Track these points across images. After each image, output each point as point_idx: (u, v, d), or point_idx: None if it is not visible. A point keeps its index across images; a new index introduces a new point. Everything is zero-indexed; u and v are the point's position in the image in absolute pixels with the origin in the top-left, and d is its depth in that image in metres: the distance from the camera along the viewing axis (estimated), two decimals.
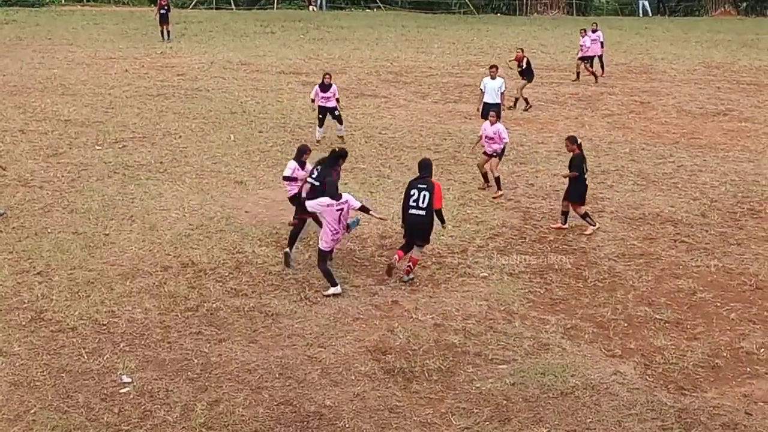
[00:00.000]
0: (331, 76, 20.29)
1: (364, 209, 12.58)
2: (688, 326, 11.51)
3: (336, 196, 12.05)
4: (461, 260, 13.57)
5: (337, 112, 19.90)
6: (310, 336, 11.08)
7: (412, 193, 12.55)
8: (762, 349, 10.89)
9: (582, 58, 28.48)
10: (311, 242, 13.94)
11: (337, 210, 12.05)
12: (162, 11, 35.80)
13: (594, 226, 14.83)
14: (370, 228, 14.67)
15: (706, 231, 14.92)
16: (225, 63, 30.75)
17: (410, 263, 12.77)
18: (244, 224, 14.80)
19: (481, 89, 20.36)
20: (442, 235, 14.37)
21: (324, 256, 12.31)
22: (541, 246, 14.19)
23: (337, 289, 12.22)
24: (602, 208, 16.00)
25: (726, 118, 23.86)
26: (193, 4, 58.63)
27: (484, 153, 17.03)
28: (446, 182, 17.32)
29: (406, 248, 12.78)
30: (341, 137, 19.99)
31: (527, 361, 10.53)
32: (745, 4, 56.62)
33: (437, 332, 11.23)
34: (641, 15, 53.58)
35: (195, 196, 16.26)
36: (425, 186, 12.54)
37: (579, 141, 15.03)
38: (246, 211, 15.45)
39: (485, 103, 19.85)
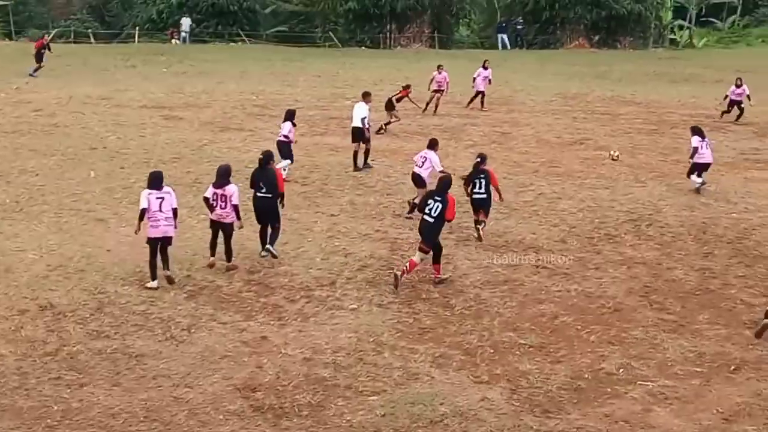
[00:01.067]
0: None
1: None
2: (551, 350, 11.82)
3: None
4: (330, 293, 13.56)
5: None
6: (176, 376, 10.81)
7: (475, 181, 16.02)
8: (621, 370, 11.28)
9: (437, 92, 29.27)
10: (176, 279, 13.66)
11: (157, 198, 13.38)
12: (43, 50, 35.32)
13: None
14: (237, 262, 14.47)
15: (566, 256, 15.40)
16: (84, 98, 29.94)
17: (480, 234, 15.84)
18: (106, 263, 14.36)
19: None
20: (311, 269, 14.35)
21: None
22: (408, 276, 14.31)
23: (153, 284, 13.31)
24: (467, 236, 16.30)
25: (582, 146, 24.80)
26: (50, 38, 57.00)
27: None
28: (314, 215, 17.36)
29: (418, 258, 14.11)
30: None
31: (397, 391, 10.58)
32: (597, 37, 59.26)
33: (307, 366, 11.16)
34: (501, 48, 55.31)
35: (53, 235, 15.69)
36: (482, 176, 15.99)
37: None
38: (108, 250, 15.00)
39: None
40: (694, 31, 74.64)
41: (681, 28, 75.68)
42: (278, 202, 15.09)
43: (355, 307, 13.06)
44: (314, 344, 11.79)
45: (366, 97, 21.43)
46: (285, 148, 20.14)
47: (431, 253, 14.02)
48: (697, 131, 19.87)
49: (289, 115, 20.65)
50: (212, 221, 14.30)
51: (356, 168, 20.90)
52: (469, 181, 16.32)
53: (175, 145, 22.97)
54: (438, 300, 13.40)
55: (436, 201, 13.99)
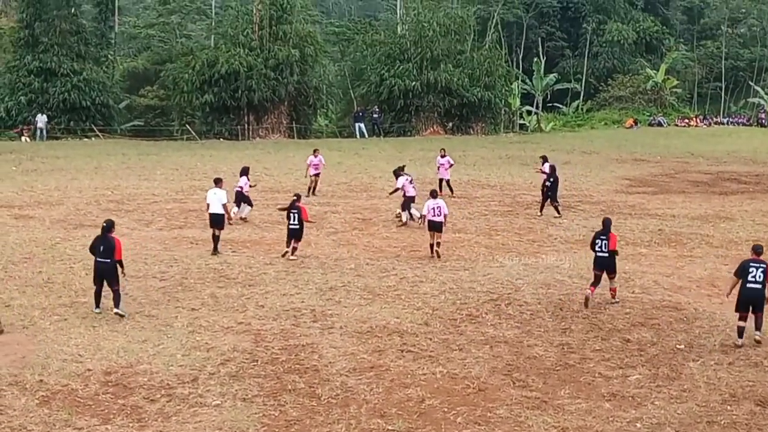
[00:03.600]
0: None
1: None
2: None
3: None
4: (192, 389, 13.15)
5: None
6: None
7: (597, 241, 17.72)
8: None
9: (315, 176, 30.89)
10: (27, 385, 12.98)
11: None
12: None
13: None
14: (93, 364, 13.91)
15: (430, 339, 15.51)
16: None
17: (612, 292, 17.77)
18: None
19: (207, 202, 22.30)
20: (171, 366, 13.93)
21: None
22: (273, 368, 14.09)
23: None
24: (331, 324, 16.22)
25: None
26: None
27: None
28: (174, 309, 16.93)
29: (596, 283, 17.54)
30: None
31: None
32: (451, 124, 61.24)
33: None
34: (358, 137, 56.34)
35: None
36: (605, 237, 17.65)
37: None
38: None
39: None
40: (542, 116, 78.43)
41: (529, 113, 79.38)
42: (117, 267, 16.52)
43: (218, 402, 12.70)
44: None
45: (219, 183, 22.47)
46: (243, 198, 25.67)
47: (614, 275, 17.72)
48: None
49: (244, 171, 26.01)
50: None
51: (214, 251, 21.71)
52: (593, 240, 17.99)
53: (25, 245, 22.09)
54: (304, 390, 13.20)
55: (602, 239, 17.60)
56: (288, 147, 48.29)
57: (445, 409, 12.56)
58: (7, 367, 13.71)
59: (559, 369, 14.23)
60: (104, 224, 16.94)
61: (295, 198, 21.63)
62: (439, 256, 21.38)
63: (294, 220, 20.98)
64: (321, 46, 61.87)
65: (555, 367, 14.31)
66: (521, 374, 13.94)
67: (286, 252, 21.06)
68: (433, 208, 21.49)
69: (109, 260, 16.38)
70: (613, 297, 17.73)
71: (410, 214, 25.67)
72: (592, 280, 17.60)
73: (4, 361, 13.97)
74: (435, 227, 21.57)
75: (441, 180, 30.96)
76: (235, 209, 25.40)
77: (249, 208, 26.03)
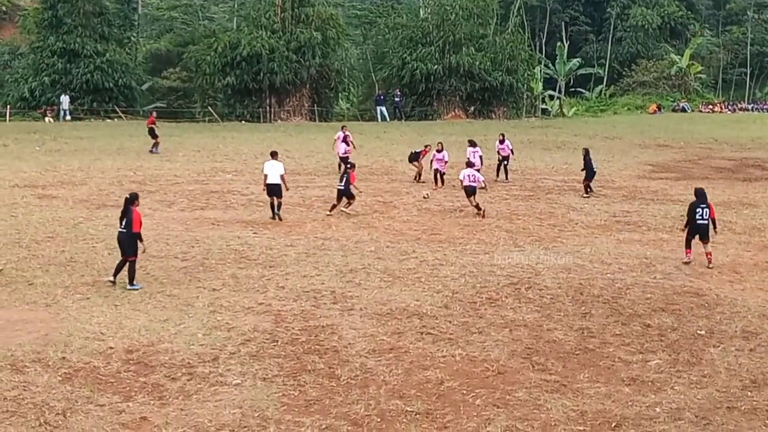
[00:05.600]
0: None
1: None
2: (438, 416, 11.81)
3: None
4: (213, 369, 13.24)
5: None
6: None
7: (697, 210, 19.04)
8: None
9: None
10: (50, 362, 13.13)
11: None
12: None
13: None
14: (115, 342, 14.04)
15: (450, 322, 15.53)
16: None
17: (708, 257, 19.15)
18: None
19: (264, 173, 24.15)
20: (192, 345, 14.04)
21: None
22: (293, 348, 14.15)
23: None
24: (351, 306, 16.27)
25: (462, 213, 25.28)
26: None
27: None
28: (195, 290, 17.03)
29: (688, 245, 19.35)
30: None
31: None
32: (473, 108, 61.04)
33: None
34: (380, 120, 56.26)
35: None
36: (705, 206, 19.04)
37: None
38: None
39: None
40: (564, 101, 77.97)
41: (552, 98, 79.00)
42: (133, 239, 17.10)
43: (239, 382, 12.78)
44: (197, 422, 11.44)
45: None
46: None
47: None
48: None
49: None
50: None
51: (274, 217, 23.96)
52: (692, 210, 19.22)
53: (49, 224, 22.29)
54: (323, 370, 13.26)
55: (702, 208, 18.97)
56: (309, 130, 48.32)
57: (464, 392, 12.59)
58: (30, 344, 13.85)
59: (579, 353, 14.21)
60: (128, 196, 17.56)
61: (349, 166, 25.36)
62: (483, 215, 24.58)
63: (342, 183, 24.61)
64: (343, 29, 61.76)
65: (574, 351, 14.29)
66: (540, 358, 13.93)
67: (334, 206, 24.51)
68: (468, 176, 24.95)
69: (125, 230, 17.08)
70: (710, 262, 19.21)
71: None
72: (685, 244, 19.51)
73: (28, 339, 14.12)
74: (470, 191, 24.98)
75: (437, 171, 30.22)
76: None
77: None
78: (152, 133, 36.86)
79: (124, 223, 17.17)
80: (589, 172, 28.74)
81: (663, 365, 13.70)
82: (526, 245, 21.32)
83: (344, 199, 24.65)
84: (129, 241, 17.08)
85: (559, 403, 12.21)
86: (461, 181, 25.27)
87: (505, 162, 31.55)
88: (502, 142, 31.49)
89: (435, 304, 16.51)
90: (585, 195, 28.12)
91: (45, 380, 12.59)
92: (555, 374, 13.28)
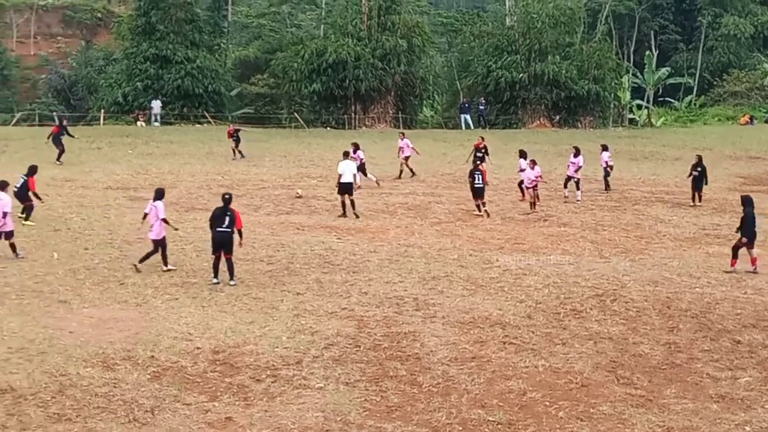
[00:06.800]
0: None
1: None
2: (520, 426, 11.73)
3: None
4: (296, 372, 13.41)
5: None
6: None
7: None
8: None
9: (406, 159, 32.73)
10: (139, 360, 13.48)
11: None
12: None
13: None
14: (202, 343, 14.34)
15: (533, 332, 15.41)
16: (49, 180, 29.73)
17: (754, 264, 19.47)
18: (68, 345, 14.11)
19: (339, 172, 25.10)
20: (277, 347, 14.24)
21: None
22: (375, 354, 14.24)
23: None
24: (434, 313, 16.29)
25: (546, 223, 25.06)
26: (14, 120, 57.02)
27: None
28: (280, 293, 17.27)
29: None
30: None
31: None
32: (558, 117, 60.41)
33: None
34: (464, 128, 56.09)
35: (15, 318, 15.42)
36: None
37: None
38: (70, 332, 14.76)
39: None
40: (653, 111, 76.53)
41: (639, 107, 77.59)
42: (235, 237, 17.90)
43: (321, 385, 12.92)
44: (280, 424, 11.61)
45: (348, 155, 26.19)
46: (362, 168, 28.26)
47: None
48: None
49: (357, 146, 28.15)
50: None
51: (344, 214, 24.96)
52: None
53: (139, 226, 22.82)
54: (405, 377, 13.30)
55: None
56: (393, 137, 48.26)
57: (547, 403, 12.48)
58: (120, 342, 14.25)
59: (666, 368, 13.94)
60: (227, 196, 18.33)
61: (478, 162, 27.27)
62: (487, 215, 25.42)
63: (478, 180, 25.85)
64: (428, 37, 61.75)
65: (661, 365, 14.04)
66: (626, 371, 13.72)
67: (478, 205, 25.91)
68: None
69: (230, 230, 17.76)
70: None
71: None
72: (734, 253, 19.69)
73: (118, 337, 14.53)
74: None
75: (569, 178, 29.61)
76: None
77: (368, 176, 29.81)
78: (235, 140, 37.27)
79: (227, 222, 17.76)
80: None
81: (753, 383, 13.35)
82: (612, 256, 21.03)
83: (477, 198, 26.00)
84: (232, 240, 17.81)
85: (644, 419, 12.01)
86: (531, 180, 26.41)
87: (577, 179, 30.02)
88: (576, 155, 30.01)
89: (518, 313, 16.41)
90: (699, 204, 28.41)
91: (134, 378, 12.94)
92: (641, 389, 13.07)
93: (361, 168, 29.63)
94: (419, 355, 14.25)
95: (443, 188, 30.36)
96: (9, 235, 19.34)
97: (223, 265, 17.88)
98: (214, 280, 17.74)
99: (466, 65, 63.36)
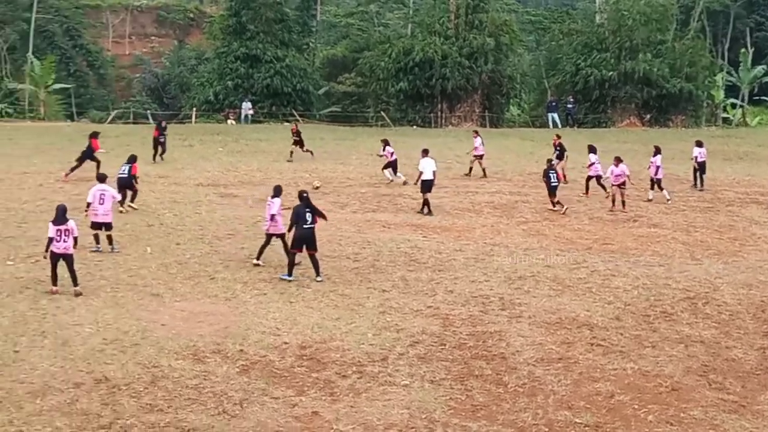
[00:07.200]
0: None
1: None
2: (608, 429, 11.59)
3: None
4: (382, 368, 13.50)
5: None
6: None
7: None
8: None
9: (478, 158, 32.59)
10: (228, 354, 13.74)
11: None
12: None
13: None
14: (289, 338, 14.54)
15: (621, 334, 15.18)
16: (142, 176, 30.38)
17: None
18: (160, 337, 14.48)
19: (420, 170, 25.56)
20: (363, 344, 14.34)
21: None
22: (461, 353, 14.22)
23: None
24: (520, 313, 16.18)
25: (636, 224, 24.62)
26: (110, 118, 58.67)
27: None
28: (366, 290, 17.38)
29: None
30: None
31: None
32: (648, 116, 59.25)
33: None
34: (551, 127, 55.46)
35: (109, 310, 15.90)
36: None
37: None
38: (162, 324, 15.15)
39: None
40: (747, 110, 74.33)
41: (734, 106, 75.48)
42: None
43: (407, 383, 12.97)
44: (366, 420, 11.70)
45: (427, 152, 26.30)
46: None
47: None
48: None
49: (425, 153, 26.52)
50: (53, 254, 16.66)
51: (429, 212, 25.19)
52: None
53: (229, 222, 23.31)
54: (491, 377, 13.26)
55: None
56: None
57: (636, 406, 12.29)
58: (210, 336, 14.56)
59: (759, 373, 13.59)
60: (304, 194, 18.49)
61: (553, 161, 27.44)
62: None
63: (554, 179, 26.21)
64: (516, 35, 61.27)
65: (755, 370, 13.68)
66: (718, 376, 13.42)
67: (555, 203, 25.99)
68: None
69: (313, 226, 18.00)
70: None
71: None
72: None
73: (209, 330, 14.84)
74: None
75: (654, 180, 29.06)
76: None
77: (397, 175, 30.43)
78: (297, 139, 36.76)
79: (310, 219, 17.95)
80: None
81: None
82: (704, 259, 20.55)
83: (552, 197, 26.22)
84: (315, 236, 18.05)
85: (737, 425, 11.73)
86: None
87: (658, 179, 29.11)
88: (655, 154, 28.75)
89: (606, 315, 16.18)
90: None
91: (224, 371, 13.20)
92: (733, 394, 12.76)
93: (392, 165, 30.46)
94: (505, 354, 14.18)
95: (530, 187, 30.07)
96: (109, 226, 19.98)
97: (306, 261, 18.05)
98: (290, 278, 17.91)
99: (554, 63, 62.65)
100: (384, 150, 30.76)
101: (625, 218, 25.28)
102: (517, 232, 23.26)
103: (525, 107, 69.99)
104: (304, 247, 18.02)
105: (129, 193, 24.49)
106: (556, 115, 56.46)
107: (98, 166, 29.43)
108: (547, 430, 11.56)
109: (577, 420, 11.82)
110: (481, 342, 14.70)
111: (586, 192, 28.70)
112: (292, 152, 36.19)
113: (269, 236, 19.04)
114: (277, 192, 19.42)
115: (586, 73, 57.62)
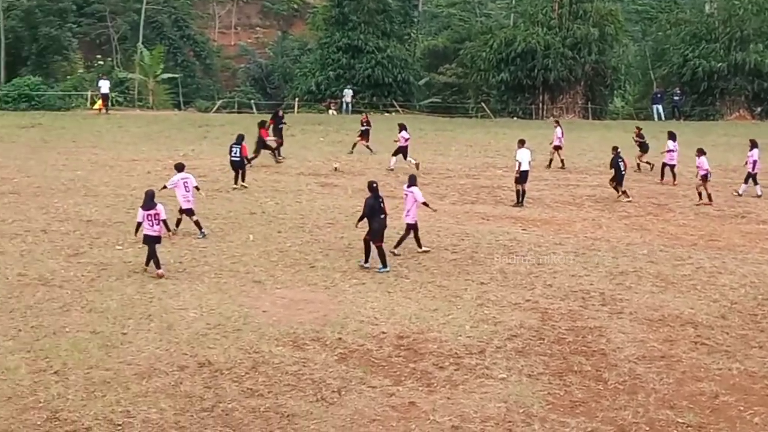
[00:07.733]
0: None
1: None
2: (711, 430, 11.30)
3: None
4: (479, 361, 13.46)
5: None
6: None
7: None
8: None
9: (557, 148, 32.31)
10: (327, 342, 13.91)
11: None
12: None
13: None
14: (387, 328, 14.63)
15: (727, 333, 14.77)
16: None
17: None
18: (262, 324, 14.78)
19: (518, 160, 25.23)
20: (460, 336, 14.33)
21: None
22: (559, 347, 14.07)
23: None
24: (621, 309, 15.89)
25: (744, 220, 23.88)
26: (215, 108, 60.02)
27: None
28: (464, 282, 17.35)
29: None
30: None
31: None
32: (759, 109, 57.31)
33: None
34: (656, 119, 54.20)
35: (213, 295, 16.30)
36: None
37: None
38: (263, 311, 15.45)
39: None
40: None
41: None
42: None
43: (504, 376, 12.91)
44: (462, 412, 11.69)
45: (523, 143, 25.79)
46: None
47: None
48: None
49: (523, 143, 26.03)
50: (147, 237, 17.39)
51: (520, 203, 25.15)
52: None
53: (329, 211, 23.58)
54: (590, 373, 13.08)
55: None
56: (582, 128, 47.48)
57: (741, 408, 11.94)
58: (310, 323, 14.77)
59: None
60: (374, 185, 18.64)
61: (619, 150, 26.59)
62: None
63: (623, 168, 26.31)
64: (622, 25, 60.05)
65: None
66: None
67: (624, 191, 26.20)
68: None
69: (383, 216, 18.17)
70: None
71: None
72: None
73: (308, 318, 15.06)
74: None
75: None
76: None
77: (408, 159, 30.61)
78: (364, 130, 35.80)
79: (382, 210, 18.24)
80: None
81: None
82: None
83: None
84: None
85: None
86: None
87: (754, 173, 27.81)
88: (752, 148, 27.56)
89: (711, 313, 15.76)
90: None
91: (322, 358, 13.38)
92: None
93: (402, 150, 30.66)
94: (605, 351, 13.96)
95: (633, 181, 29.43)
96: (190, 212, 20.48)
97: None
98: (366, 265, 18.16)
99: (660, 54, 61.22)
100: (400, 133, 31.21)
101: (733, 214, 24.55)
102: (619, 226, 22.85)
103: (629, 99, 68.65)
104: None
105: (240, 172, 26.40)
106: (660, 107, 55.15)
107: (274, 153, 31.87)
108: (648, 428, 11.33)
109: (680, 420, 11.56)
110: (580, 337, 14.51)
111: (661, 179, 29.39)
112: (355, 144, 35.30)
113: (409, 226, 19.34)
114: (413, 181, 19.68)
115: (694, 64, 56.14)
